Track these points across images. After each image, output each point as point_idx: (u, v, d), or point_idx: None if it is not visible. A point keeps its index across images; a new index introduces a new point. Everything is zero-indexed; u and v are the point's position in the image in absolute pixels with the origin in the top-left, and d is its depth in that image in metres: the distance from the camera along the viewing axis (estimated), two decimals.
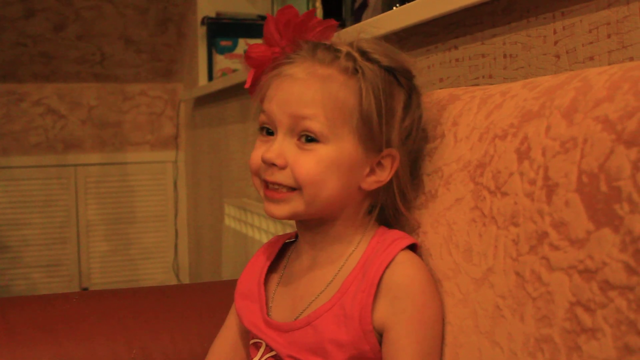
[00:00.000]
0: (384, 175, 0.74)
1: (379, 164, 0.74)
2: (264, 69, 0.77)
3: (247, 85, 0.78)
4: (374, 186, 0.74)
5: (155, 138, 3.28)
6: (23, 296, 1.11)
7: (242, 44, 2.55)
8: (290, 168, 0.71)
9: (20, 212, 3.07)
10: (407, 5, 1.11)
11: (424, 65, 1.16)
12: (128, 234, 3.23)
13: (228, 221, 2.30)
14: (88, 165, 3.16)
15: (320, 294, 0.75)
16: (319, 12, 1.68)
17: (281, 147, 0.72)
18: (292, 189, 0.72)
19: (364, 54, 0.73)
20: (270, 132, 0.74)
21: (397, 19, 1.14)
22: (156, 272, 3.25)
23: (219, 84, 2.41)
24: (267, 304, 0.79)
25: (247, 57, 0.77)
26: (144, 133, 3.26)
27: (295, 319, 0.75)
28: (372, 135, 0.72)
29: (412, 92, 0.76)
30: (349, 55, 0.72)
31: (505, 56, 0.97)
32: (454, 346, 0.70)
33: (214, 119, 2.70)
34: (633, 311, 0.49)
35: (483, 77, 1.02)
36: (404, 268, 0.71)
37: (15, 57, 2.97)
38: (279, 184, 0.72)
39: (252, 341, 0.80)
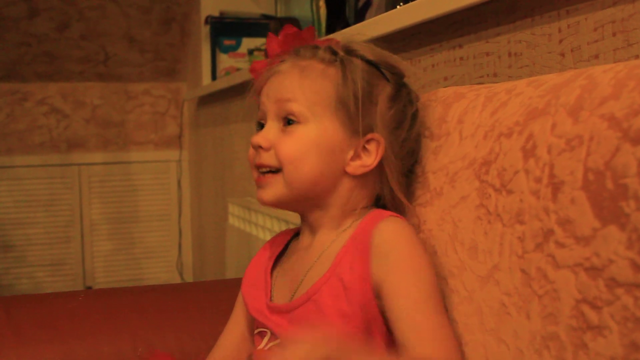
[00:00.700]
0: (369, 160, 0.77)
1: (364, 148, 0.77)
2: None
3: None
4: (360, 170, 0.77)
5: (159, 137, 3.28)
6: (27, 294, 1.12)
7: (246, 43, 2.56)
8: (274, 149, 0.76)
9: (24, 212, 3.08)
10: (411, 4, 1.11)
11: (429, 63, 1.16)
12: (132, 233, 3.23)
13: (232, 220, 2.30)
14: (92, 165, 3.17)
15: (310, 268, 0.77)
16: (323, 11, 1.68)
17: (267, 132, 0.78)
18: (277, 171, 0.76)
19: (349, 51, 0.79)
20: (263, 126, 0.79)
21: (401, 17, 1.14)
22: (160, 271, 3.26)
23: (222, 83, 2.41)
24: (271, 290, 0.81)
25: (251, 70, 0.84)
26: (148, 132, 3.27)
27: (292, 298, 0.77)
28: (351, 118, 0.76)
29: (401, 88, 0.79)
30: (327, 48, 0.79)
31: (510, 54, 0.97)
32: (460, 344, 0.70)
33: (217, 118, 2.70)
34: (639, 308, 0.49)
35: (488, 75, 1.02)
36: (388, 226, 0.73)
37: (19, 57, 2.97)
38: (264, 165, 0.77)
39: (256, 330, 0.81)
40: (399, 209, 0.79)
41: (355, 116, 0.76)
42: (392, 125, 0.77)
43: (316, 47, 0.79)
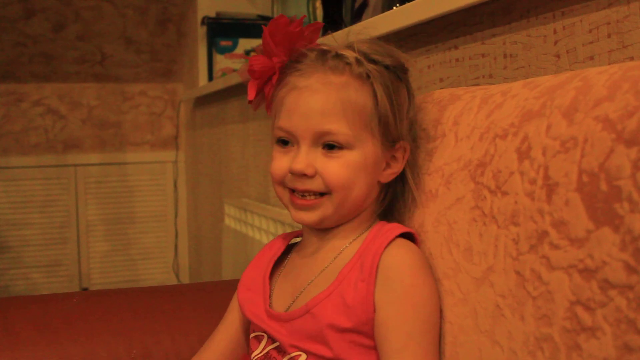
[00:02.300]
0: (398, 166, 0.78)
1: (393, 157, 0.77)
2: (265, 80, 0.79)
3: (250, 98, 0.80)
4: (391, 178, 0.78)
5: (155, 138, 3.28)
6: (23, 296, 1.11)
7: (242, 44, 2.55)
8: (320, 175, 0.74)
9: (20, 213, 3.07)
10: (408, 5, 1.11)
11: (424, 65, 1.16)
12: (128, 234, 3.23)
13: (228, 221, 2.30)
14: (88, 166, 3.16)
15: (313, 280, 0.76)
16: (319, 12, 1.68)
17: (307, 157, 0.74)
18: (321, 194, 0.75)
19: (366, 56, 0.76)
20: (286, 142, 0.76)
21: (398, 18, 1.14)
22: (156, 272, 3.25)
23: (219, 84, 2.41)
24: (270, 296, 0.80)
25: (250, 70, 0.78)
26: (144, 133, 3.26)
27: (289, 307, 0.77)
28: (389, 132, 0.76)
29: (408, 84, 0.80)
30: (358, 61, 0.75)
31: (505, 56, 0.97)
32: (454, 345, 0.70)
33: (214, 119, 2.70)
34: (633, 310, 0.49)
35: (483, 77, 1.02)
36: (395, 251, 0.73)
37: (15, 57, 2.97)
38: (312, 192, 0.75)
39: (252, 334, 0.81)
40: (400, 211, 0.80)
41: (393, 130, 0.76)
42: (409, 127, 0.79)
43: (345, 58, 0.75)
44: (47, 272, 3.11)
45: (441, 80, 1.12)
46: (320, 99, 0.73)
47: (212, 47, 2.61)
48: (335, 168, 0.73)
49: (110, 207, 3.19)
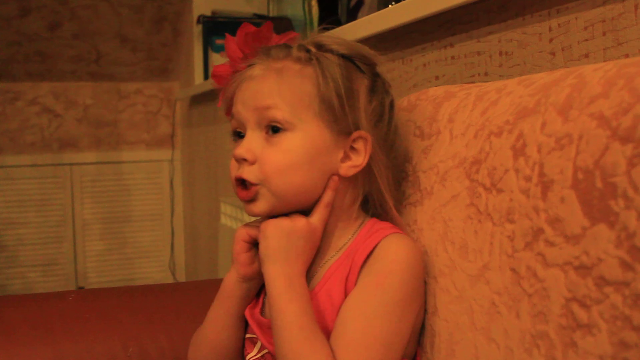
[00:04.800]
0: (359, 160, 0.74)
1: (352, 148, 0.74)
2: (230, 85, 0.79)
3: (219, 104, 0.80)
4: (352, 171, 0.74)
5: (151, 137, 3.27)
6: (19, 295, 1.11)
7: None
8: (258, 162, 0.72)
9: (15, 212, 3.06)
10: (403, 3, 1.11)
11: (420, 62, 1.16)
12: (124, 233, 3.22)
13: (224, 220, 2.30)
14: (84, 164, 3.16)
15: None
16: (315, 11, 1.68)
17: (250, 142, 0.73)
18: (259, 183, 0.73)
19: (320, 46, 0.75)
20: (242, 136, 0.75)
21: (393, 16, 1.14)
22: (152, 271, 3.25)
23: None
24: (263, 300, 0.79)
25: (213, 75, 0.80)
26: (140, 132, 3.26)
27: None
28: (336, 118, 0.73)
29: (376, 79, 0.77)
30: (300, 46, 0.75)
31: (500, 54, 0.97)
32: (450, 343, 0.70)
33: (209, 118, 2.70)
34: (628, 307, 0.49)
35: (479, 74, 1.02)
36: (387, 243, 0.71)
37: (11, 56, 2.96)
38: (245, 180, 0.73)
39: (247, 336, 0.81)
40: (385, 209, 0.77)
41: (340, 115, 0.73)
42: (374, 120, 0.75)
43: (288, 47, 0.75)
44: (43, 270, 3.10)
45: (437, 78, 1.12)
46: (258, 82, 0.74)
47: (208, 45, 2.61)
48: (273, 154, 0.72)
49: (106, 206, 3.18)
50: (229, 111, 0.78)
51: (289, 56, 0.74)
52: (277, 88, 0.72)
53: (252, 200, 0.73)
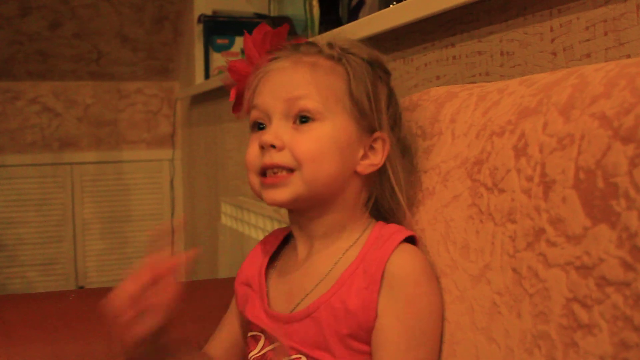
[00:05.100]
0: (377, 159, 0.75)
1: (371, 147, 0.75)
2: (245, 82, 0.79)
3: (231, 99, 0.80)
4: (369, 170, 0.75)
5: (151, 136, 3.27)
6: (19, 294, 1.11)
7: (239, 42, 2.55)
8: (289, 148, 0.72)
9: (16, 211, 3.06)
10: (404, 3, 1.11)
11: (421, 62, 1.16)
12: (124, 233, 3.22)
13: (224, 219, 2.30)
14: (84, 164, 3.16)
15: (316, 286, 0.75)
16: (316, 10, 1.67)
17: (277, 130, 0.73)
18: (291, 170, 0.72)
19: (344, 50, 0.77)
20: (262, 127, 0.75)
21: (394, 16, 1.14)
22: None
23: (215, 82, 2.41)
24: (267, 294, 0.79)
25: (230, 70, 0.79)
26: (140, 131, 3.26)
27: (292, 311, 0.75)
28: (364, 116, 0.74)
29: (391, 89, 0.79)
30: (330, 45, 0.76)
31: (502, 54, 0.97)
32: (451, 343, 0.70)
33: (210, 117, 2.70)
34: (629, 307, 0.49)
35: (480, 74, 1.02)
36: (401, 259, 0.71)
37: (11, 55, 2.96)
38: (278, 166, 0.72)
39: (250, 334, 0.80)
40: (395, 213, 0.78)
41: (367, 114, 0.74)
42: (391, 124, 0.77)
43: (316, 45, 0.77)
44: (43, 270, 3.10)
45: (438, 78, 1.12)
46: (289, 73, 0.74)
47: (209, 45, 2.61)
48: (304, 140, 0.71)
49: (106, 206, 3.18)
50: (239, 107, 0.79)
51: (320, 53, 0.76)
52: (311, 78, 0.73)
53: (278, 186, 0.72)
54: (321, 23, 1.61)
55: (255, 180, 0.75)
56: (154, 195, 3.26)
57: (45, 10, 2.87)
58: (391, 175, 0.76)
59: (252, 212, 1.97)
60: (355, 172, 0.75)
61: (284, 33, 0.79)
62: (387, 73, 0.79)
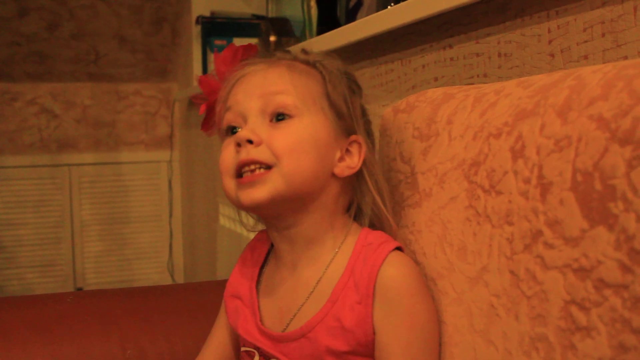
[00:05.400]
0: (354, 162, 0.74)
1: (347, 151, 0.74)
2: (215, 97, 0.78)
3: (200, 112, 0.80)
4: (347, 172, 0.74)
5: (149, 138, 3.27)
6: (17, 296, 1.11)
7: (237, 44, 2.55)
8: (266, 143, 0.70)
9: (14, 212, 3.06)
10: (402, 4, 1.11)
11: (419, 64, 1.16)
12: (123, 234, 3.22)
13: (223, 221, 2.30)
14: (82, 165, 3.15)
15: (305, 301, 0.73)
16: (314, 12, 1.67)
17: (254, 126, 0.71)
18: (268, 167, 0.69)
19: (317, 60, 0.77)
20: (235, 132, 0.73)
21: (392, 18, 1.14)
22: (151, 272, 3.24)
23: None
24: (258, 309, 0.77)
25: (200, 83, 0.79)
26: (139, 133, 3.25)
27: (285, 329, 0.74)
28: (341, 118, 0.74)
29: (360, 100, 0.79)
30: (305, 51, 0.77)
31: (499, 55, 0.97)
32: (449, 345, 0.70)
33: None
34: (628, 309, 0.49)
35: (478, 76, 1.02)
36: (391, 271, 0.70)
37: (9, 56, 2.96)
38: (255, 161, 0.69)
39: (243, 349, 0.79)
40: (380, 220, 0.77)
41: (344, 116, 0.74)
42: (366, 132, 0.77)
43: (291, 52, 0.77)
44: (41, 272, 3.10)
45: (436, 79, 1.12)
46: (266, 72, 0.74)
47: (207, 46, 2.61)
48: (282, 135, 0.70)
49: (104, 207, 3.18)
50: (208, 123, 0.79)
51: (296, 58, 0.76)
52: (289, 76, 0.72)
53: (256, 184, 0.69)
54: (319, 24, 1.60)
55: (230, 183, 0.72)
56: (152, 197, 3.25)
57: (44, 11, 2.87)
58: (368, 180, 0.75)
59: (250, 213, 1.97)
60: (333, 175, 0.73)
61: (254, 48, 0.79)
62: (360, 87, 0.78)
